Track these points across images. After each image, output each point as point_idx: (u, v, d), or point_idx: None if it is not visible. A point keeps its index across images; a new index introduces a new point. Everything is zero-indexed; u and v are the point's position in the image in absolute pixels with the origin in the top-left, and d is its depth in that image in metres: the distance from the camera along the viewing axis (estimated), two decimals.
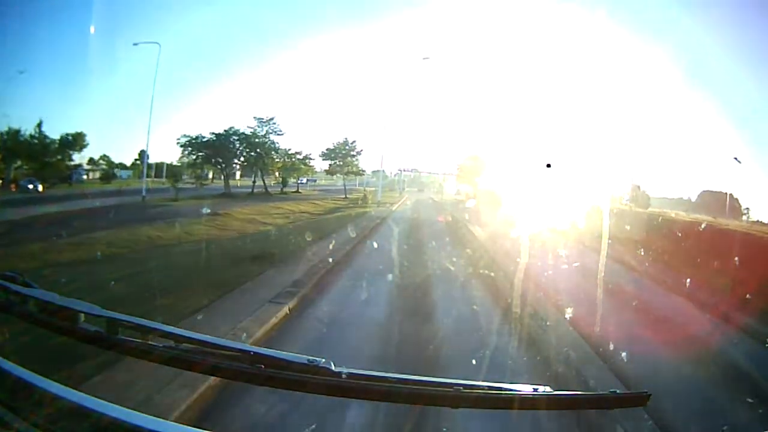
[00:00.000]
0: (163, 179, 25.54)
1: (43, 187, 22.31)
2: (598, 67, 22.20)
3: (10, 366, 1.14)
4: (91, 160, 34.09)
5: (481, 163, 24.58)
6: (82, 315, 1.23)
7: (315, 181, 29.42)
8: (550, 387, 1.17)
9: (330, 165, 26.02)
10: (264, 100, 29.34)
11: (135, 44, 22.14)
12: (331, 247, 10.39)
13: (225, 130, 22.42)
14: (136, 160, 29.30)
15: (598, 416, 3.48)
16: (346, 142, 25.51)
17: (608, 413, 3.34)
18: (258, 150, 22.77)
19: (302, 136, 34.18)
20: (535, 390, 1.17)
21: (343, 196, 25.81)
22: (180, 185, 22.83)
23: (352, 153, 25.52)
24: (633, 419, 3.31)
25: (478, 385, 1.13)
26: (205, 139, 22.51)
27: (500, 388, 1.17)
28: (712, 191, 29.32)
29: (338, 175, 26.68)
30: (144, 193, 19.94)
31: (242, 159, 23.05)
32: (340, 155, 25.62)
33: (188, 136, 22.43)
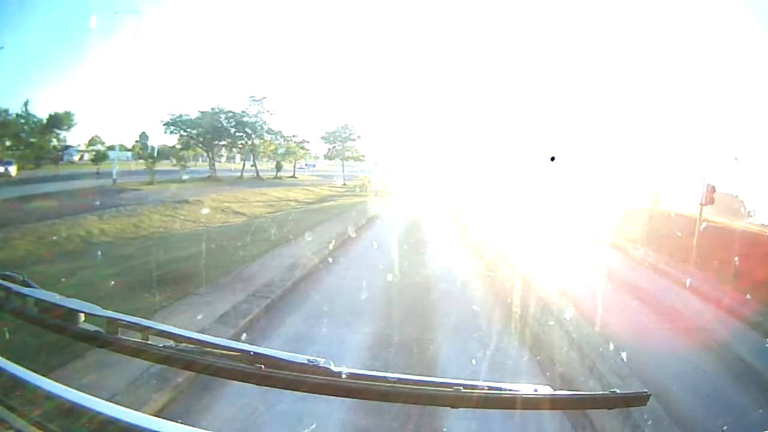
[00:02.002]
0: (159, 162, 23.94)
1: (18, 170, 20.71)
2: (602, 64, 19.82)
3: (7, 364, 1.12)
4: (92, 141, 32.97)
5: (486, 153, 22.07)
6: (82, 315, 1.23)
7: (314, 166, 27.34)
8: (551, 387, 1.11)
9: (329, 149, 23.89)
10: (263, 83, 27.09)
11: (115, 13, 20.30)
12: (297, 257, 8.06)
13: (212, 108, 20.45)
14: (137, 141, 27.91)
15: (598, 416, 3.40)
16: (345, 126, 23.33)
17: (608, 413, 3.18)
18: (247, 130, 20.73)
19: (300, 122, 31.96)
20: (535, 390, 1.14)
21: (342, 183, 23.66)
22: (162, 168, 21.22)
23: (351, 137, 23.31)
24: (633, 419, 3.17)
25: (478, 385, 1.10)
26: (190, 118, 20.56)
27: (500, 389, 1.14)
28: (718, 192, 26.39)
29: (338, 160, 24.55)
30: (114, 176, 18.18)
31: (229, 140, 21.04)
32: (339, 139, 23.45)
33: (173, 115, 20.58)
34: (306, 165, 26.69)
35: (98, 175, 20.48)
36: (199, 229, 11.47)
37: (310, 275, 7.18)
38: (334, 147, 23.72)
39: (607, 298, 7.37)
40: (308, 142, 22.96)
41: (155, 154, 24.89)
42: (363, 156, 23.78)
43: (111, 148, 27.66)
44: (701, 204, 11.55)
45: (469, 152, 26.13)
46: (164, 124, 20.55)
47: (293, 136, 22.89)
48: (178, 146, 22.64)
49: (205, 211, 13.96)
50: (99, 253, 7.79)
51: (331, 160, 24.79)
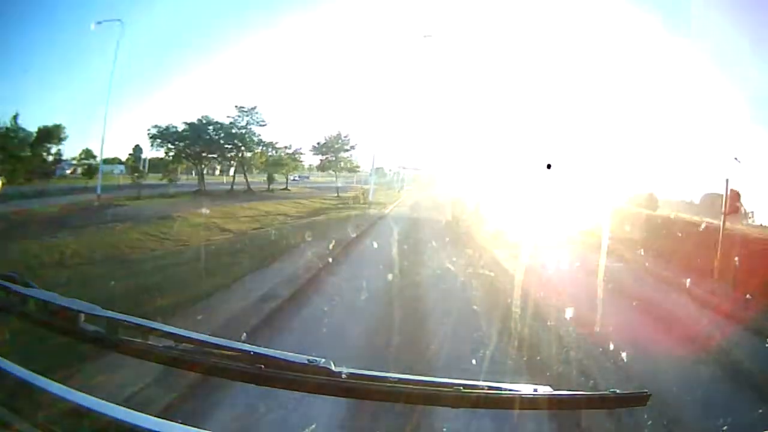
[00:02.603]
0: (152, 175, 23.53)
1: (3, 185, 20.12)
2: (601, 67, 19.31)
3: (10, 366, 1.10)
4: (87, 154, 32.55)
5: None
6: (83, 315, 1.20)
7: (308, 177, 26.81)
8: (551, 387, 1.08)
9: (321, 160, 23.33)
10: (254, 92, 26.64)
11: (98, 23, 19.93)
12: (274, 283, 7.37)
13: (199, 119, 19.96)
14: (130, 154, 27.55)
15: (598, 416, 3.39)
16: (339, 136, 22.77)
17: (608, 413, 3.18)
18: (236, 141, 20.23)
19: (292, 132, 31.42)
20: (535, 390, 1.12)
21: (335, 194, 23.09)
22: (153, 182, 20.78)
23: (345, 147, 22.76)
24: (633, 419, 3.17)
25: (478, 385, 1.08)
26: (177, 130, 20.10)
27: (500, 389, 1.12)
28: (715, 193, 25.41)
29: (331, 171, 24.00)
30: (99, 191, 17.68)
31: (218, 153, 20.53)
32: (332, 150, 22.89)
33: (159, 127, 20.10)
34: (299, 177, 26.16)
35: (84, 191, 19.97)
36: (176, 248, 10.88)
37: (285, 307, 6.52)
38: (327, 158, 23.16)
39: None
40: (302, 153, 22.45)
41: (146, 168, 24.49)
42: (358, 167, 23.24)
43: (116, 161, 27.27)
44: (724, 213, 10.19)
45: (464, 159, 25.56)
46: (150, 137, 20.06)
47: (286, 147, 22.40)
48: (169, 159, 22.19)
49: (188, 227, 13.39)
50: (49, 280, 7.22)
51: (324, 171, 24.26)
